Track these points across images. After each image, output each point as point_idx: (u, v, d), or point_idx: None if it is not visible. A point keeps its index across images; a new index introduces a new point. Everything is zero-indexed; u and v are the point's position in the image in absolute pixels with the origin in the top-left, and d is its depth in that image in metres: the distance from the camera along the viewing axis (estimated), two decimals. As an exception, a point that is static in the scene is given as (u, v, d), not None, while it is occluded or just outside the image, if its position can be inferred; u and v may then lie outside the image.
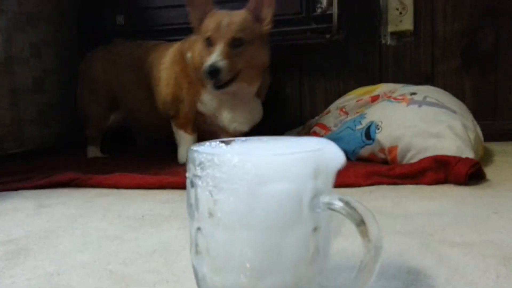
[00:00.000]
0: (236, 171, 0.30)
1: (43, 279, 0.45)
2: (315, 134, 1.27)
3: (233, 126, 1.13)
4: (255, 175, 0.29)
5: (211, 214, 0.31)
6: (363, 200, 0.70)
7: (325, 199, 0.30)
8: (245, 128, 1.14)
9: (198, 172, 0.31)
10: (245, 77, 1.05)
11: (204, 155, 0.31)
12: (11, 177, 0.96)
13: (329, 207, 0.30)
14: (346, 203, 0.29)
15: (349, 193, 0.76)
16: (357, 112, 1.19)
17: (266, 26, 1.05)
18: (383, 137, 1.00)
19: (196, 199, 0.32)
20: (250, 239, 0.30)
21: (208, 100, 1.11)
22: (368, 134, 1.05)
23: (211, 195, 0.31)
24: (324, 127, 1.28)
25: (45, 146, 1.27)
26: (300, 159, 0.30)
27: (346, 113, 1.25)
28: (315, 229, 0.31)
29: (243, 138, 0.37)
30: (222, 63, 0.97)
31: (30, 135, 1.23)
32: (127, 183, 0.86)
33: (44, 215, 0.69)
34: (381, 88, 1.23)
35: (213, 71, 0.96)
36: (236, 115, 1.12)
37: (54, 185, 0.88)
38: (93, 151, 1.30)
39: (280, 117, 1.58)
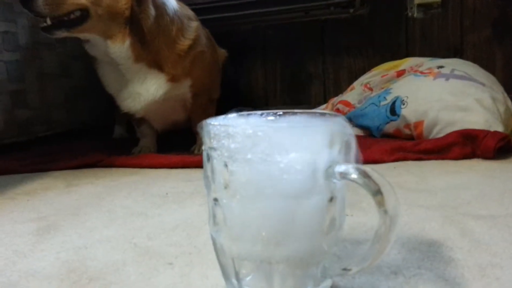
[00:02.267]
0: (250, 141, 0.30)
1: (71, 252, 0.46)
2: (338, 111, 1.25)
3: (126, 103, 0.98)
4: (269, 144, 0.29)
5: (226, 185, 0.31)
6: (386, 176, 0.70)
7: (340, 168, 0.30)
8: (138, 105, 0.98)
9: (214, 144, 0.31)
10: (102, 25, 0.88)
11: (218, 127, 0.31)
12: (41, 159, 0.99)
13: (345, 176, 0.30)
14: (362, 173, 0.29)
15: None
16: (382, 88, 1.16)
17: None
18: (408, 112, 0.98)
19: (212, 171, 0.32)
20: (265, 209, 0.30)
21: (103, 74, 1.00)
22: (393, 109, 1.03)
23: (226, 166, 0.31)
24: (347, 104, 1.26)
25: (72, 129, 1.31)
26: (314, 128, 0.30)
27: (371, 89, 1.23)
28: (331, 199, 0.31)
29: (259, 112, 0.37)
30: None
31: (58, 119, 1.26)
32: (150, 163, 0.87)
33: (73, 193, 0.72)
34: (408, 63, 1.19)
35: None
36: (129, 91, 0.97)
37: (82, 166, 0.91)
38: (119, 130, 1.33)
39: (302, 95, 1.57)
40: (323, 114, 0.35)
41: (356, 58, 1.49)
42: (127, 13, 0.88)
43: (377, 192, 0.28)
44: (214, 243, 0.34)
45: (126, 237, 0.50)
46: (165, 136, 1.16)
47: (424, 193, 0.58)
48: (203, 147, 0.33)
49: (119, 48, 0.90)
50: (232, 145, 0.30)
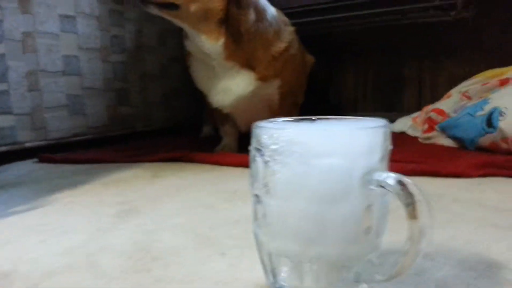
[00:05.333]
0: (289, 144, 0.31)
1: (142, 234, 0.52)
2: (430, 120, 1.18)
3: (216, 98, 1.04)
4: (308, 148, 0.30)
5: (267, 184, 0.33)
6: (467, 192, 0.65)
7: (377, 176, 0.30)
8: (227, 101, 1.03)
9: (258, 144, 0.33)
10: (190, 19, 0.92)
11: (264, 129, 0.32)
12: (136, 151, 1.10)
13: (380, 184, 0.29)
14: (399, 182, 0.28)
15: (454, 183, 0.70)
16: (481, 97, 1.07)
17: None
18: (507, 125, 0.89)
19: (256, 170, 0.34)
20: (300, 209, 0.31)
21: (195, 70, 1.05)
22: (490, 121, 0.94)
23: (268, 166, 0.32)
24: (441, 112, 1.18)
25: (167, 126, 1.43)
26: (353, 135, 0.30)
27: (469, 97, 1.14)
28: (368, 206, 0.31)
29: (315, 117, 0.38)
30: None
31: (156, 116, 1.39)
32: (228, 161, 0.92)
33: (156, 184, 0.79)
34: (513, 70, 1.08)
35: None
36: (219, 87, 1.02)
37: (169, 160, 0.99)
38: (207, 130, 1.42)
39: (394, 101, 1.50)
40: (369, 122, 0.34)
41: (457, 63, 1.39)
42: (221, 14, 0.93)
43: (409, 204, 0.27)
44: (256, 238, 0.36)
45: (191, 226, 0.54)
46: (245, 137, 1.21)
47: (504, 213, 0.53)
48: (250, 147, 0.35)
49: (213, 44, 0.95)
50: (273, 147, 0.32)
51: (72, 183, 0.80)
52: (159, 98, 1.40)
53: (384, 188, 0.29)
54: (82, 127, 1.20)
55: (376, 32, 1.46)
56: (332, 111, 1.57)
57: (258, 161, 0.33)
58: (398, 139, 1.22)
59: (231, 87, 1.02)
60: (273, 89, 1.06)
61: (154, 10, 0.92)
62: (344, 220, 0.30)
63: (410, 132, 1.29)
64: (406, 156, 0.90)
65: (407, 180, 0.29)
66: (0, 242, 0.51)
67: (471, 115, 1.01)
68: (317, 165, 0.30)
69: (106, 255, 0.46)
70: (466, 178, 0.74)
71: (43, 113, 1.11)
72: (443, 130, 1.10)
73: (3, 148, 1.04)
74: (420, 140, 1.18)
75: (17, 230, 0.56)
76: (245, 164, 0.93)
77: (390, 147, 0.33)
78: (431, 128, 1.17)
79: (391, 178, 0.29)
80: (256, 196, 0.34)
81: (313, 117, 0.37)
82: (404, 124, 1.35)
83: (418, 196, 0.28)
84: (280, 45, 1.02)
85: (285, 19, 1.08)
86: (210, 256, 0.44)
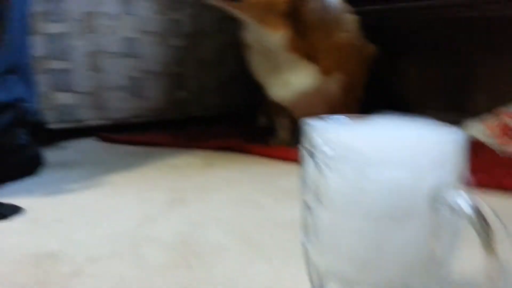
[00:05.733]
0: (345, 150, 0.28)
1: (188, 226, 0.51)
2: (505, 127, 1.08)
3: (274, 91, 1.00)
4: (366, 157, 0.27)
5: (318, 193, 0.30)
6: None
7: (448, 196, 0.26)
8: (288, 94, 0.98)
9: (309, 146, 0.30)
10: (251, 11, 0.89)
11: (317, 129, 0.30)
12: (191, 137, 1.11)
13: (452, 206, 0.25)
14: (473, 206, 0.24)
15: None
16: None
17: None
18: None
19: (306, 174, 0.31)
20: (355, 227, 0.28)
21: (252, 60, 1.02)
22: None
23: (320, 172, 0.29)
24: (517, 117, 1.08)
25: (223, 112, 1.42)
26: (421, 143, 0.27)
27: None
28: (435, 230, 0.27)
29: (378, 117, 0.34)
30: None
31: (211, 102, 1.39)
32: (283, 155, 0.89)
33: (208, 173, 0.78)
34: None
35: None
36: (279, 79, 0.98)
37: (222, 148, 0.98)
38: (264, 120, 1.39)
39: (464, 102, 1.40)
40: (442, 128, 0.30)
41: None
42: (284, 5, 0.90)
43: (485, 234, 0.23)
44: (304, 251, 0.33)
45: (238, 223, 0.52)
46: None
47: None
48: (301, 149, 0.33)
49: (275, 36, 0.92)
50: (327, 151, 0.29)
51: (127, 165, 0.82)
52: (215, 84, 1.40)
53: (455, 211, 0.25)
54: (140, 109, 1.23)
55: (443, 25, 1.35)
56: (395, 106, 1.49)
57: (310, 167, 0.30)
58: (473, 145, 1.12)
59: (291, 80, 0.98)
60: (334, 83, 1.01)
61: (215, 1, 0.90)
62: (406, 244, 0.27)
63: (483, 139, 1.19)
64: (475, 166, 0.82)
65: (483, 204, 0.25)
66: (50, 220, 0.53)
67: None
68: (376, 178, 0.27)
69: (149, 245, 0.46)
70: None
71: (104, 92, 1.14)
72: (518, 137, 1.01)
73: (65, 125, 1.08)
74: (496, 151, 1.08)
75: (68, 209, 0.57)
76: (300, 161, 0.90)
77: (465, 160, 0.29)
78: (506, 136, 1.07)
79: (464, 200, 0.25)
80: (306, 203, 0.32)
81: (376, 117, 0.33)
82: (477, 129, 1.24)
83: (496, 225, 0.24)
84: (342, 35, 0.97)
85: (346, 6, 1.03)
86: (254, 259, 0.42)
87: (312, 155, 0.30)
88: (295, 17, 0.91)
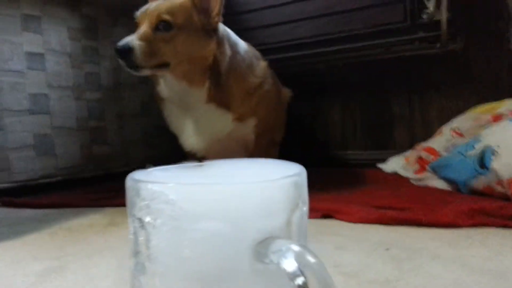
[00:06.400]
0: (159, 203, 0.23)
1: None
2: (421, 160, 1.10)
3: (189, 141, 0.99)
4: (179, 209, 0.22)
5: (139, 256, 0.25)
6: (451, 247, 0.56)
7: (274, 248, 0.22)
8: (201, 143, 0.98)
9: (129, 202, 0.25)
10: (181, 72, 0.89)
11: (131, 182, 0.25)
12: (106, 194, 1.03)
13: (276, 261, 0.21)
14: (301, 262, 0.20)
15: (438, 235, 0.61)
16: (472, 135, 0.99)
17: (214, 19, 0.88)
18: (500, 165, 0.80)
19: (131, 233, 0.26)
20: (174, 293, 0.23)
21: (168, 114, 1.01)
22: (482, 161, 0.85)
23: (139, 231, 0.24)
24: (432, 151, 1.10)
25: (147, 166, 1.36)
26: (239, 191, 0.22)
27: (461, 135, 1.05)
28: (266, 289, 0.22)
29: (219, 161, 0.30)
30: (137, 43, 0.82)
31: (135, 155, 1.32)
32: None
33: (109, 234, 0.71)
34: (508, 105, 1.01)
35: (123, 50, 0.82)
36: (193, 130, 0.97)
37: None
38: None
39: (385, 139, 1.42)
40: (279, 168, 0.26)
41: (449, 97, 1.31)
42: (210, 60, 0.89)
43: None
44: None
45: None
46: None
47: (487, 276, 0.44)
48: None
49: (196, 91, 0.91)
50: (142, 204, 0.24)
51: (18, 232, 0.73)
52: (138, 137, 1.34)
53: (278, 266, 0.21)
54: (50, 168, 1.13)
55: (360, 66, 1.40)
56: (318, 149, 1.49)
57: (130, 223, 0.25)
58: (388, 180, 1.13)
59: (205, 129, 0.96)
60: (249, 128, 0.99)
61: (146, 72, 0.88)
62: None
63: (402, 173, 1.20)
64: (389, 201, 0.81)
65: (313, 261, 0.20)
66: None
67: (462, 154, 0.92)
68: (190, 231, 0.22)
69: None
70: (453, 229, 0.64)
71: (7, 153, 1.04)
72: (435, 171, 1.02)
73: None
74: (412, 181, 1.09)
75: None
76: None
77: (306, 203, 0.25)
78: (422, 169, 1.08)
79: (290, 254, 0.21)
80: (132, 270, 0.26)
81: (203, 163, 0.29)
82: (397, 163, 1.26)
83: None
84: (254, 81, 0.96)
85: (257, 53, 1.03)
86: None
87: (131, 212, 0.25)
88: (214, 67, 0.90)
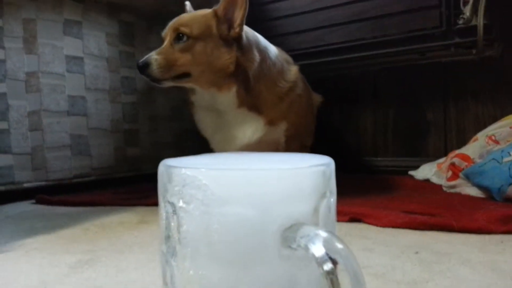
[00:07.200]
0: (191, 188, 0.24)
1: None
2: (454, 166, 1.07)
3: (220, 145, 1.00)
4: (209, 193, 0.23)
5: (170, 239, 0.26)
6: (481, 251, 0.54)
7: (301, 234, 0.22)
8: (232, 148, 0.98)
9: (161, 187, 0.26)
10: (204, 81, 0.91)
11: (164, 168, 0.26)
12: (136, 195, 1.06)
13: (303, 246, 0.21)
14: (327, 247, 0.20)
15: (469, 240, 0.59)
16: (508, 141, 0.96)
17: (235, 29, 0.90)
18: (538, 172, 0.78)
19: (163, 223, 0.27)
20: (202, 274, 0.24)
21: (199, 119, 1.03)
22: (519, 168, 0.83)
23: (171, 215, 0.25)
24: (466, 158, 1.07)
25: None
26: (267, 177, 0.23)
27: (496, 142, 1.02)
28: (292, 276, 0.23)
29: (248, 152, 0.31)
30: (154, 57, 0.88)
31: (165, 158, 1.35)
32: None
33: (140, 231, 0.73)
34: (546, 112, 0.97)
35: (142, 66, 0.88)
36: (225, 134, 0.98)
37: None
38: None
39: (418, 146, 1.39)
40: (305, 159, 0.27)
41: (485, 104, 1.27)
42: (231, 67, 0.90)
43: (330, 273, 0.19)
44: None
45: (142, 284, 0.46)
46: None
47: (520, 282, 0.42)
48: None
49: (226, 96, 0.93)
50: (175, 189, 0.25)
51: (52, 227, 0.76)
52: (169, 140, 1.37)
53: (307, 251, 0.21)
54: (85, 167, 1.17)
55: (394, 72, 1.39)
56: (349, 155, 1.47)
57: (163, 207, 0.26)
58: (418, 187, 1.11)
59: (237, 134, 0.97)
60: (279, 132, 1.00)
61: (167, 84, 0.91)
62: (257, 292, 0.22)
63: (435, 180, 1.17)
64: (419, 206, 0.79)
65: (341, 246, 0.21)
66: None
67: (497, 161, 0.90)
68: (220, 216, 0.23)
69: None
70: (486, 235, 0.62)
71: (44, 153, 1.09)
72: (468, 178, 0.99)
73: (1, 188, 1.02)
74: (444, 188, 1.06)
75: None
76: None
77: (334, 194, 0.26)
78: (455, 176, 1.06)
79: (318, 239, 0.21)
80: (164, 255, 0.27)
81: (234, 153, 0.30)
82: (429, 170, 1.23)
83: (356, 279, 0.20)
84: (285, 85, 0.96)
85: (288, 57, 1.03)
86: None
87: (164, 198, 0.26)
88: (240, 73, 0.91)
